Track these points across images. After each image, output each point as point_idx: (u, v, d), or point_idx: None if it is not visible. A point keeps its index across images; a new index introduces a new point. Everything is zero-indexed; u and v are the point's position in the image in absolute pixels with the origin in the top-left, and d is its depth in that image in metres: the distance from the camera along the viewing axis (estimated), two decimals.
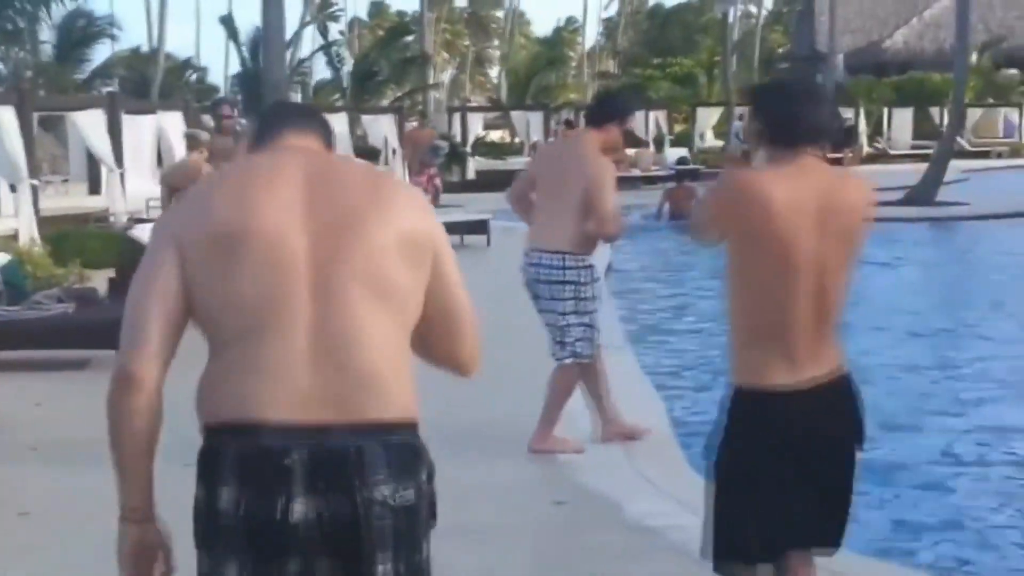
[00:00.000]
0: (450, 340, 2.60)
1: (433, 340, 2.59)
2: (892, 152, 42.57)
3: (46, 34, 30.20)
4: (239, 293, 2.44)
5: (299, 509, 2.37)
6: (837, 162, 35.33)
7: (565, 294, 6.58)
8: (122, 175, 17.53)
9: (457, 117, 35.84)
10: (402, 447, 2.46)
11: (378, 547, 2.41)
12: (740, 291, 3.54)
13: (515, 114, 36.46)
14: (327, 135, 2.72)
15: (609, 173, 6.59)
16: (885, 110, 45.22)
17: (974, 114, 43.72)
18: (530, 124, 34.45)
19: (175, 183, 10.72)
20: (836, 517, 3.59)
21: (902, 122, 45.03)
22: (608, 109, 6.86)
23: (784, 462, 3.47)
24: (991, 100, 47.46)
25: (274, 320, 2.43)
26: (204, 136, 11.75)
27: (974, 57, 39.47)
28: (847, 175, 3.87)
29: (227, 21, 29.47)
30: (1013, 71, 50.41)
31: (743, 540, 3.51)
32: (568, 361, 6.70)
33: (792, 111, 3.55)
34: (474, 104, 44.39)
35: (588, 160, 6.57)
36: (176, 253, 2.46)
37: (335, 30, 49.33)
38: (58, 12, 28.14)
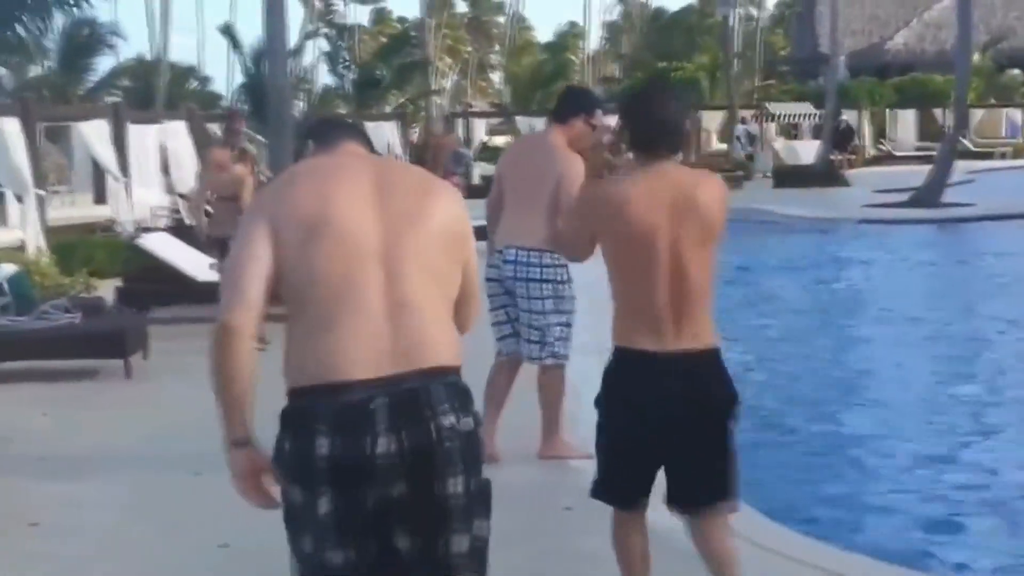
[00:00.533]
0: (463, 309, 3.19)
1: (465, 298, 3.20)
2: (896, 154, 42.56)
3: (50, 44, 30.21)
4: (322, 270, 2.96)
5: (383, 443, 2.90)
6: (839, 163, 35.39)
7: (544, 292, 6.49)
8: (127, 184, 17.57)
9: (460, 122, 35.86)
10: (457, 386, 3.03)
11: (449, 466, 2.95)
12: (615, 275, 4.11)
13: (519, 119, 36.50)
14: (370, 144, 3.34)
15: (577, 168, 6.21)
16: (888, 112, 45.21)
17: (977, 115, 43.69)
18: (534, 129, 34.44)
19: (221, 191, 10.82)
20: (707, 474, 4.10)
21: (905, 124, 45.03)
22: (572, 104, 6.70)
23: (646, 417, 4.01)
24: (994, 101, 47.44)
25: (351, 294, 2.96)
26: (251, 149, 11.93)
27: (976, 58, 39.41)
28: (703, 175, 4.27)
29: (227, 30, 29.50)
30: (1015, 71, 50.38)
31: (608, 479, 4.19)
32: (549, 362, 6.64)
33: (648, 122, 4.14)
34: (477, 109, 44.37)
35: (556, 156, 6.45)
36: (268, 228, 2.98)
37: (338, 37, 49.33)
38: (60, 21, 28.19)
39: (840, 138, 36.35)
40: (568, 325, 6.63)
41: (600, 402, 4.14)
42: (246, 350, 2.98)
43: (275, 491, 3.06)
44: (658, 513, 5.76)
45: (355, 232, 2.99)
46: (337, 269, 2.97)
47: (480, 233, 12.20)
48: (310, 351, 2.97)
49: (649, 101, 4.27)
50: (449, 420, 2.96)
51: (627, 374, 4.06)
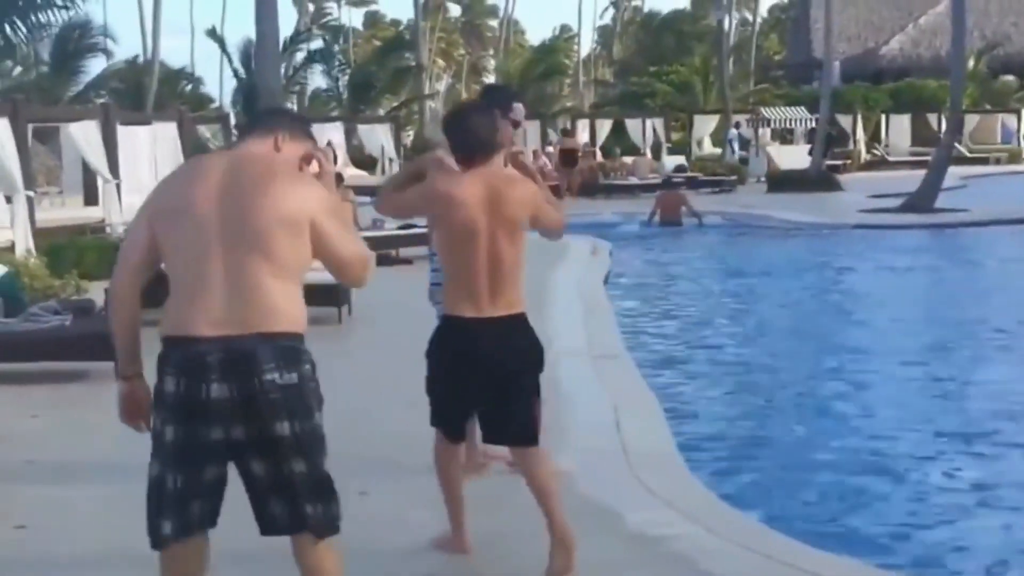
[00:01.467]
0: (339, 272, 3.87)
1: (332, 269, 3.85)
2: (890, 159, 42.60)
3: (41, 47, 30.15)
4: (178, 249, 3.71)
5: (216, 389, 3.61)
6: (835, 169, 35.37)
7: None
8: (118, 186, 17.48)
9: None
10: (285, 347, 3.68)
11: (275, 412, 3.64)
12: (444, 258, 5.01)
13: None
14: (295, 131, 3.95)
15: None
16: (882, 117, 45.27)
17: (972, 120, 43.78)
18: (527, 132, 34.45)
19: None
20: (514, 419, 4.94)
21: (900, 129, 45.09)
22: (488, 102, 6.24)
23: (468, 367, 4.90)
24: (988, 106, 47.52)
25: (198, 268, 3.67)
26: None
27: (971, 63, 39.47)
28: (515, 179, 5.08)
29: (214, 34, 29.43)
30: (1010, 77, 50.51)
31: (437, 415, 5.10)
32: None
33: (463, 136, 4.98)
34: None
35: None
36: (147, 218, 3.79)
37: (331, 39, 49.29)
38: (51, 23, 28.08)
39: (828, 143, 36.32)
40: None
41: (430, 356, 5.05)
42: (126, 306, 3.83)
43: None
44: (649, 517, 5.74)
45: (202, 219, 3.68)
46: (189, 248, 3.69)
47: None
48: (170, 310, 3.71)
49: (464, 118, 5.10)
50: (272, 376, 3.63)
51: (451, 335, 4.98)
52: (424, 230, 6.10)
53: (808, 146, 37.85)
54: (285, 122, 4.01)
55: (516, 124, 6.55)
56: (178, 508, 3.71)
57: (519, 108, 6.59)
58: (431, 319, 5.84)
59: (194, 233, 3.67)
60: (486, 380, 4.90)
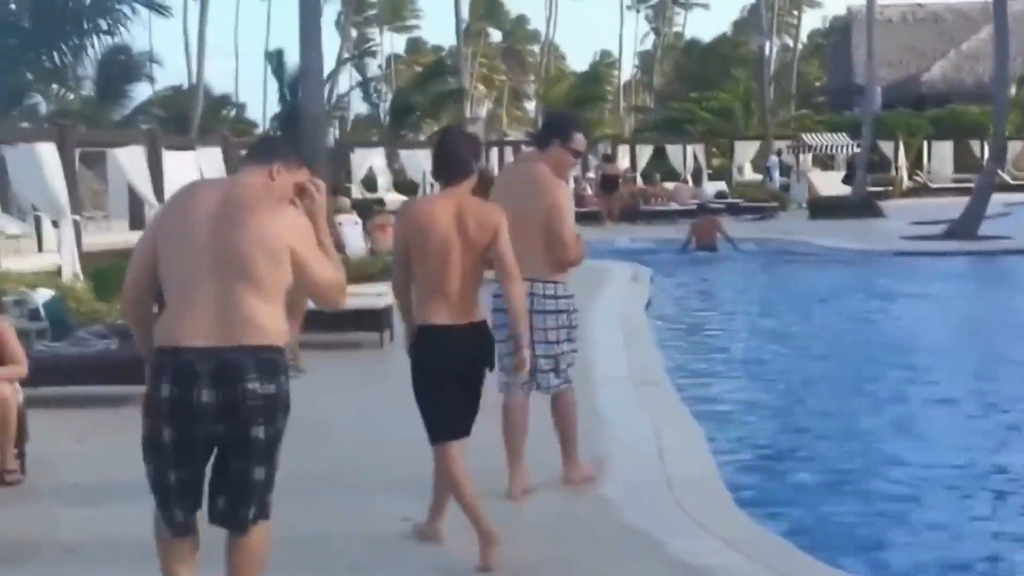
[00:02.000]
0: (314, 294, 4.39)
1: (309, 292, 4.37)
2: (932, 185, 42.34)
3: (87, 71, 30.50)
4: (174, 267, 4.19)
5: (205, 394, 4.08)
6: (877, 195, 35.17)
7: (560, 323, 6.54)
8: None
9: (495, 151, 35.90)
10: (265, 360, 4.14)
11: (252, 418, 4.13)
12: (417, 270, 5.55)
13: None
14: (287, 159, 4.38)
15: (566, 196, 6.56)
16: (924, 143, 45.01)
17: (1015, 147, 43.45)
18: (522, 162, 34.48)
19: None
20: (470, 411, 5.59)
21: (942, 155, 44.82)
22: (548, 130, 6.76)
23: (440, 371, 5.51)
24: None
25: (190, 285, 4.14)
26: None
27: (1013, 90, 39.23)
28: (483, 204, 5.64)
29: (273, 56, 29.61)
30: None
31: (429, 422, 5.60)
32: (563, 388, 6.69)
33: (443, 159, 5.63)
34: (511, 138, 44.45)
35: (540, 186, 6.48)
36: (152, 238, 4.32)
37: (373, 65, 49.61)
38: (97, 48, 28.44)
39: (854, 171, 36.22)
40: (576, 351, 6.74)
41: (413, 364, 5.60)
42: (133, 311, 4.43)
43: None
44: (691, 545, 5.73)
45: (196, 243, 4.15)
46: (183, 267, 4.17)
47: None
48: (164, 321, 4.19)
49: (444, 143, 5.73)
50: (253, 385, 4.11)
51: (427, 342, 5.54)
52: None
53: (841, 173, 37.71)
54: (281, 153, 4.40)
55: (576, 154, 6.66)
56: (183, 499, 4.23)
57: (580, 138, 6.68)
58: None
59: (188, 255, 4.17)
60: (456, 379, 5.53)
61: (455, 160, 5.57)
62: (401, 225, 5.70)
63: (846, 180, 37.00)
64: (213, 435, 4.15)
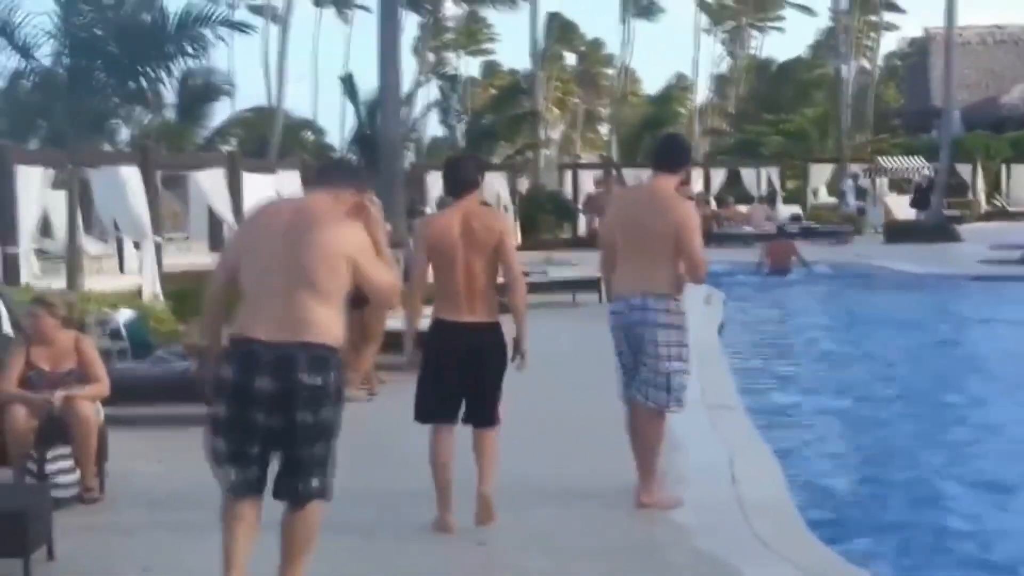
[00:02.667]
0: (372, 295, 5.03)
1: (368, 293, 5.01)
2: (1011, 209, 41.70)
3: (168, 94, 30.97)
4: (249, 272, 4.92)
5: (261, 381, 4.75)
6: (954, 219, 34.71)
7: (670, 339, 6.66)
8: None
9: (568, 174, 35.94)
10: (317, 355, 4.78)
11: (301, 405, 4.76)
12: (434, 272, 6.39)
13: (626, 171, 36.46)
14: (352, 183, 5.14)
15: (693, 213, 6.83)
16: (1003, 166, 44.37)
17: None
18: (641, 182, 34.42)
19: None
20: (487, 403, 6.34)
21: (1021, 179, 44.11)
22: (683, 154, 7.09)
23: (449, 361, 6.27)
24: None
25: (261, 288, 4.86)
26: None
27: None
28: (489, 212, 6.68)
29: (347, 80, 29.89)
30: None
31: (422, 405, 6.42)
32: (674, 409, 6.81)
33: (447, 177, 6.61)
34: (584, 161, 44.48)
35: (673, 204, 6.73)
36: (236, 246, 5.21)
37: (448, 88, 49.85)
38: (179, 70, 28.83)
39: (921, 195, 35.80)
40: (687, 372, 6.82)
41: (423, 353, 6.37)
42: (213, 309, 5.14)
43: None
44: (766, 573, 5.72)
45: (269, 252, 4.89)
46: (256, 272, 4.89)
47: (589, 285, 12.41)
48: (240, 315, 4.89)
49: (454, 163, 6.71)
50: (304, 377, 4.73)
51: (437, 335, 6.33)
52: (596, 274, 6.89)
53: (907, 196, 37.27)
54: (345, 176, 5.20)
55: (685, 183, 6.89)
56: (234, 466, 4.86)
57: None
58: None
59: (262, 262, 4.88)
60: (463, 371, 6.27)
61: (461, 178, 6.47)
62: (420, 235, 6.60)
63: (914, 204, 36.58)
64: (267, 417, 4.77)
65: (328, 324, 4.80)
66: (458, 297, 6.25)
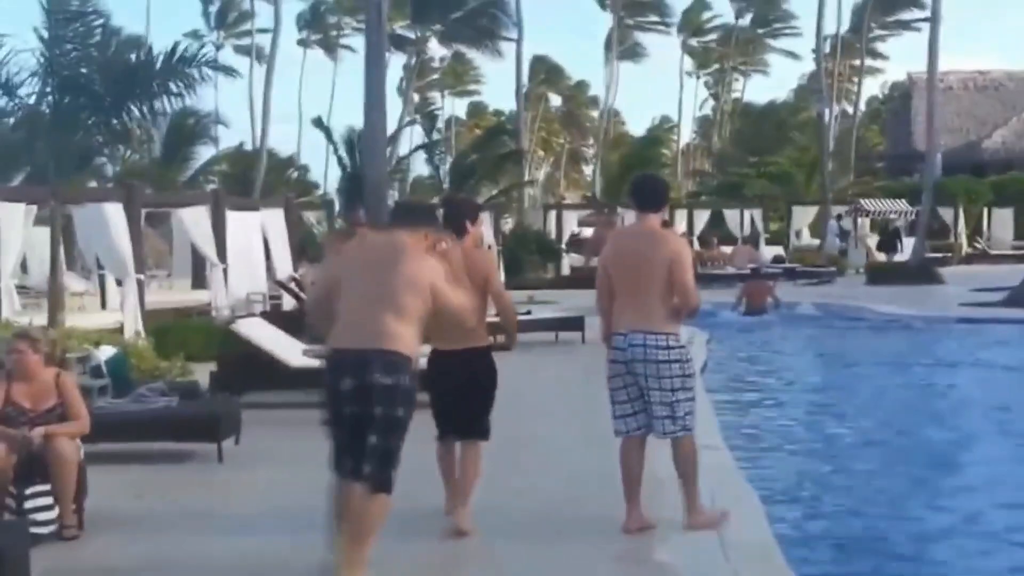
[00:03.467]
0: (450, 315, 6.16)
1: (446, 314, 6.09)
2: (992, 252, 41.96)
3: (155, 132, 31.03)
4: (342, 295, 5.94)
5: (346, 382, 5.74)
6: (936, 262, 34.90)
7: (673, 372, 6.89)
8: (225, 270, 17.88)
9: (552, 214, 36.03)
10: (390, 361, 5.73)
11: (375, 401, 5.69)
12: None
13: (608, 212, 36.59)
14: (425, 223, 6.36)
15: (686, 247, 7.22)
16: (985, 210, 44.69)
17: None
18: (625, 221, 34.56)
19: None
20: (476, 419, 7.11)
21: (1002, 222, 44.47)
22: (663, 192, 7.37)
23: (445, 384, 7.07)
24: None
25: (349, 307, 5.89)
26: None
27: None
28: (480, 252, 7.40)
29: (321, 123, 30.02)
30: None
31: (438, 424, 7.25)
32: (681, 435, 7.02)
33: (446, 219, 7.07)
34: (569, 201, 44.63)
35: (667, 238, 7.09)
36: (333, 270, 6.36)
37: (434, 128, 50.06)
38: (167, 108, 28.90)
39: (887, 239, 35.95)
40: (693, 399, 7.06)
41: (425, 380, 6.83)
42: (316, 317, 6.31)
43: None
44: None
45: (356, 278, 5.99)
46: (350, 294, 5.95)
47: (571, 324, 12.66)
48: (335, 331, 5.92)
49: (448, 206, 7.42)
50: (378, 378, 5.68)
51: (433, 363, 7.14)
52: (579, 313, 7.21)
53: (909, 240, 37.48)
54: (423, 219, 6.41)
55: (667, 223, 7.11)
56: (335, 452, 5.84)
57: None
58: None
59: (357, 287, 5.94)
60: (457, 393, 7.06)
61: (456, 219, 7.16)
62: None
63: (880, 247, 36.81)
64: (351, 410, 5.73)
65: (403, 337, 5.79)
66: (443, 331, 6.85)
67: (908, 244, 37.24)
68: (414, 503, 6.76)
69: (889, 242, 36.07)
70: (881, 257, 35.82)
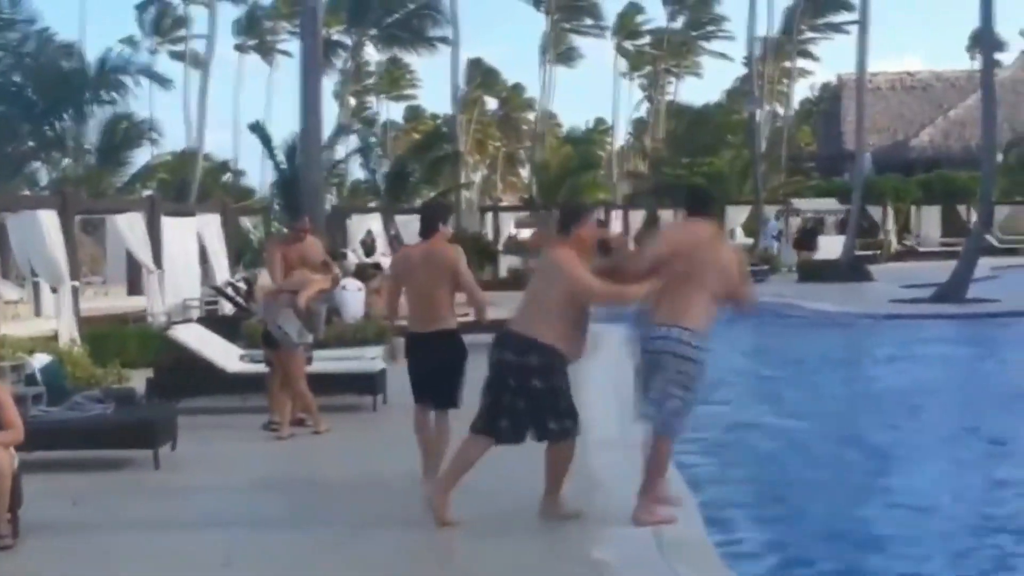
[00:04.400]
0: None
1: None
2: (920, 249, 42.60)
3: (89, 139, 30.74)
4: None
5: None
6: (866, 259, 35.36)
7: (683, 368, 7.10)
8: (160, 276, 17.79)
9: (489, 216, 36.09)
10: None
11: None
12: (406, 294, 8.38)
13: (545, 213, 36.76)
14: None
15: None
16: (913, 208, 45.35)
17: (1002, 211, 43.77)
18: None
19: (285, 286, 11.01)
20: (447, 392, 8.07)
21: (930, 220, 45.14)
22: (714, 200, 8.46)
23: (420, 362, 8.20)
24: (1018, 198, 47.49)
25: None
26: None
27: (1000, 156, 39.59)
28: (443, 247, 8.28)
29: (257, 128, 29.87)
30: None
31: (415, 395, 8.34)
32: (660, 431, 7.20)
33: (421, 223, 8.45)
34: (505, 204, 44.74)
35: (725, 245, 8.00)
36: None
37: (370, 133, 49.95)
38: (99, 116, 28.69)
39: (804, 237, 36.40)
40: (684, 403, 7.17)
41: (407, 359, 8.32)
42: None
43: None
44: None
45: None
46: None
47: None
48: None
49: (423, 211, 9.55)
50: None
51: (410, 344, 8.23)
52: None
53: (833, 237, 37.89)
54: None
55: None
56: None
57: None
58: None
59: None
60: (430, 369, 8.10)
61: (428, 223, 8.37)
62: (395, 264, 9.14)
63: (797, 245, 37.24)
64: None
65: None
66: (423, 312, 8.15)
67: (830, 242, 37.74)
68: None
69: (805, 240, 36.54)
70: (794, 256, 36.22)
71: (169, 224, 18.50)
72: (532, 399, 7.10)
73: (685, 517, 7.60)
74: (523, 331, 7.16)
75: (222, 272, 20.00)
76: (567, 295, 7.15)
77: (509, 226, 36.90)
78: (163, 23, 65.66)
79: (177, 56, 64.17)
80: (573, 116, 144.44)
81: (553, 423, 7.15)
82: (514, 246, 34.03)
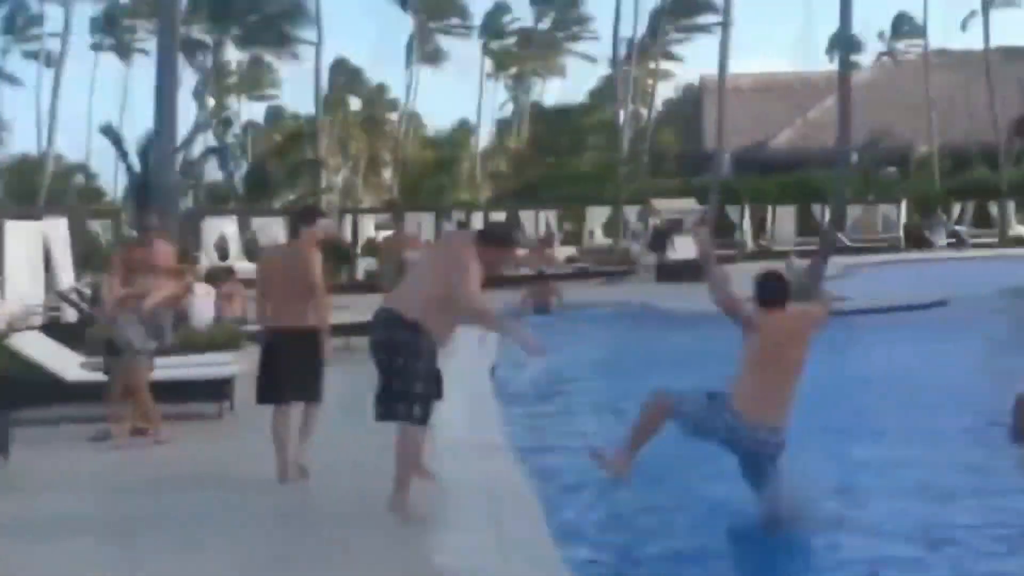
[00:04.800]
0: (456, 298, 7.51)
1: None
2: (776, 248, 43.53)
3: None
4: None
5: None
6: (724, 259, 35.98)
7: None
8: (1, 283, 17.30)
9: (348, 219, 35.89)
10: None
11: (398, 353, 7.38)
12: (269, 292, 8.83)
13: (408, 215, 36.68)
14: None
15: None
16: (769, 208, 46.33)
17: (854, 211, 44.92)
18: (422, 225, 34.72)
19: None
20: (314, 386, 8.73)
21: (786, 219, 46.14)
22: (785, 288, 8.67)
23: (286, 359, 8.62)
24: (871, 197, 48.83)
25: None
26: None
27: (855, 156, 40.66)
28: (302, 246, 8.74)
29: (108, 130, 29.25)
30: (892, 169, 52.03)
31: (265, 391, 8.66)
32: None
33: (290, 224, 8.88)
34: (366, 206, 44.50)
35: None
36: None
37: (228, 133, 49.29)
38: None
39: (656, 238, 37.07)
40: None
41: (262, 351, 8.74)
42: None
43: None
44: None
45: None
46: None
47: (363, 329, 12.29)
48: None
49: (295, 213, 9.96)
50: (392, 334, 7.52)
51: (274, 343, 8.59)
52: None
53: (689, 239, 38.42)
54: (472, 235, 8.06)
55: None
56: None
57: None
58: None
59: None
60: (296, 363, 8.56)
61: (295, 224, 8.86)
62: (260, 263, 9.55)
63: (650, 246, 37.82)
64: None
65: (422, 313, 7.63)
66: (286, 307, 8.54)
67: (688, 242, 38.28)
68: None
69: (656, 241, 37.11)
70: (652, 258, 36.70)
71: (12, 229, 18.01)
72: (395, 375, 7.35)
73: (530, 521, 7.62)
74: (394, 307, 7.53)
75: (67, 278, 19.52)
76: (448, 288, 7.37)
77: (369, 229, 36.72)
78: (16, 21, 63.93)
79: (30, 55, 62.54)
80: (439, 118, 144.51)
81: (402, 405, 7.32)
82: (373, 249, 33.87)
